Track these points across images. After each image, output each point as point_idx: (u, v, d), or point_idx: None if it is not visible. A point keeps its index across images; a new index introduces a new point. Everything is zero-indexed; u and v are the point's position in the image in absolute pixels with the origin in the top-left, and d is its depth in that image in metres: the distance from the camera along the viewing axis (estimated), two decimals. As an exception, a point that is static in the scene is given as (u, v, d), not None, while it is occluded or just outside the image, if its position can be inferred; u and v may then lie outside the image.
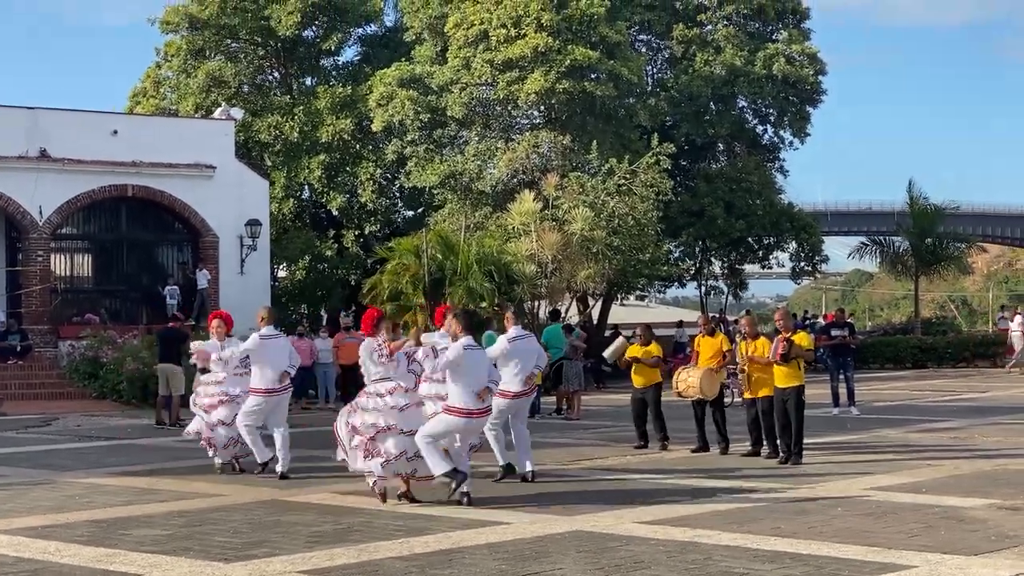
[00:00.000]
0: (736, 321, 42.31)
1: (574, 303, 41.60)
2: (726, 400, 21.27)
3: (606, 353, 21.20)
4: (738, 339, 19.69)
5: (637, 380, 20.34)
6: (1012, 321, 44.80)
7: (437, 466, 13.78)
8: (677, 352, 39.03)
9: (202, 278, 37.21)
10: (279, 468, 16.72)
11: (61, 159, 35.66)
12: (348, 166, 45.75)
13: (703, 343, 19.92)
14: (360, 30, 49.84)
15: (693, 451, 19.42)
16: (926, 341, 47.48)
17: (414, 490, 14.33)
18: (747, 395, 19.03)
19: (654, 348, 20.48)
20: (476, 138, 43.31)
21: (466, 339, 14.09)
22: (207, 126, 40.35)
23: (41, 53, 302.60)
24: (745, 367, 18.63)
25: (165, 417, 26.14)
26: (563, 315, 35.89)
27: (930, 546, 11.23)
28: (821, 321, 45.35)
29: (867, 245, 54.56)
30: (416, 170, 42.90)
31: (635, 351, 20.31)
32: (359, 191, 45.36)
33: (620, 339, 21.23)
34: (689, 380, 19.47)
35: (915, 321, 51.88)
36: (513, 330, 16.30)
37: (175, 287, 36.84)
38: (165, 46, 48.53)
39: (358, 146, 45.68)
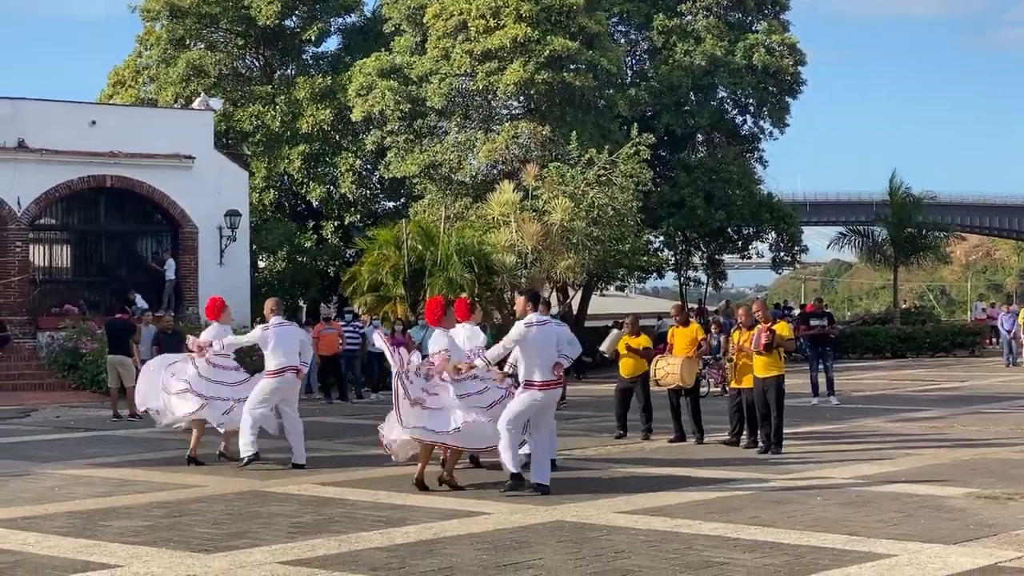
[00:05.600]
0: (716, 311, 42.49)
1: (554, 293, 41.60)
2: (702, 390, 21.29)
3: (602, 347, 21.17)
4: (713, 330, 19.76)
5: (625, 370, 20.35)
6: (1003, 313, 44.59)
7: (510, 462, 14.06)
8: (658, 343, 39.04)
9: (169, 270, 37.01)
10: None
11: (39, 149, 35.47)
12: (328, 156, 45.68)
13: (677, 333, 19.98)
14: (340, 20, 49.77)
15: (670, 441, 19.46)
16: (905, 330, 47.62)
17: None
18: (733, 384, 19.10)
19: (643, 339, 20.51)
20: (456, 128, 43.28)
21: (534, 316, 14.33)
22: (186, 116, 40.20)
23: (18, 43, 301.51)
24: (733, 356, 18.70)
25: (121, 410, 26.00)
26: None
27: (909, 535, 11.27)
28: (795, 312, 45.48)
29: (846, 235, 54.71)
30: (396, 160, 42.86)
31: (630, 341, 20.34)
32: (339, 181, 45.31)
33: (614, 331, 21.22)
34: (668, 368, 19.51)
35: (894, 311, 52.03)
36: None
37: (138, 295, 36.49)
38: (144, 33, 48.33)
39: (338, 136, 45.62)
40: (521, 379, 14.39)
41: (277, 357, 16.86)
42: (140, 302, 35.63)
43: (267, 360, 16.96)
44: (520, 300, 14.98)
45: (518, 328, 14.29)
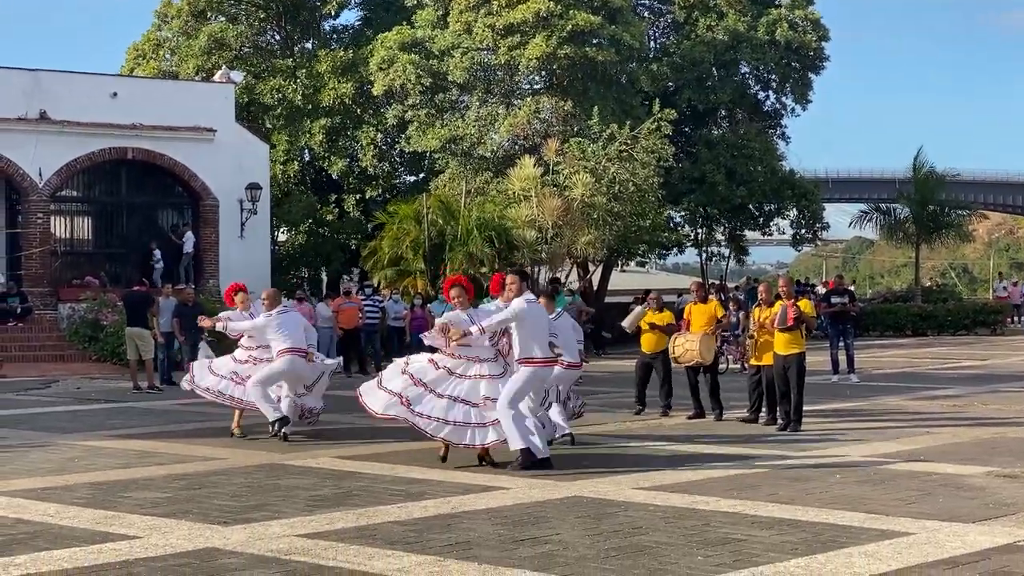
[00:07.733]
0: (736, 288, 42.41)
1: (574, 269, 41.59)
2: (721, 367, 21.24)
3: (625, 323, 21.18)
4: (732, 307, 19.72)
5: (647, 345, 20.37)
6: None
7: (517, 439, 13.98)
8: (677, 319, 39.03)
9: (188, 242, 37.07)
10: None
11: (61, 121, 35.57)
12: (349, 130, 45.65)
13: (695, 310, 19.99)
14: (362, -8, 49.66)
15: (689, 418, 19.48)
16: (926, 308, 47.46)
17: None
18: (753, 361, 19.07)
19: (667, 315, 20.53)
20: (477, 103, 43.17)
21: (528, 295, 14.50)
22: (207, 89, 40.22)
23: (41, 15, 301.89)
24: (754, 333, 18.67)
25: (141, 382, 26.08)
26: (563, 281, 35.87)
27: (928, 513, 11.26)
28: (821, 289, 45.36)
29: (868, 212, 54.40)
30: (417, 134, 42.80)
31: (654, 318, 20.34)
32: (360, 155, 45.28)
33: (639, 308, 21.22)
34: (687, 345, 19.51)
35: (915, 288, 51.82)
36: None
37: (158, 250, 36.71)
38: (163, 6, 48.34)
39: (359, 110, 45.57)
40: (517, 357, 14.33)
41: (286, 339, 17.02)
42: (158, 256, 35.81)
43: (275, 343, 17.06)
44: (514, 279, 14.91)
45: (519, 303, 14.30)
